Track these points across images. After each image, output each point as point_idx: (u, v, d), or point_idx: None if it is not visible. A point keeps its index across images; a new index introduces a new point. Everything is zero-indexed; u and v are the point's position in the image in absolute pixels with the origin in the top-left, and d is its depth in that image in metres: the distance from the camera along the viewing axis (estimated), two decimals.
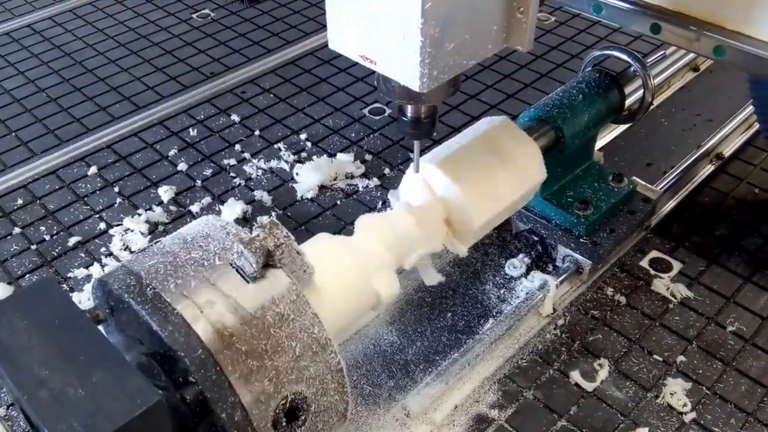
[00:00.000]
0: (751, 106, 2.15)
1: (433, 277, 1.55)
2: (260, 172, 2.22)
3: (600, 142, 2.15)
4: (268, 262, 1.13)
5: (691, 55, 2.52)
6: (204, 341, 1.05)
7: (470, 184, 1.46)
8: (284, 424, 1.06)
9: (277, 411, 1.06)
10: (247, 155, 2.28)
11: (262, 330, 1.08)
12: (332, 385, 1.14)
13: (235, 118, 2.45)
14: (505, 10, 1.17)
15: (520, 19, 1.18)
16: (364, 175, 2.19)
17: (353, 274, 1.30)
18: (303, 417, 1.08)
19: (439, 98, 1.26)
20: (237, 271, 1.12)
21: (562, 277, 1.76)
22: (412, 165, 1.46)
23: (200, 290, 1.11)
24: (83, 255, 1.96)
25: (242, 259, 1.11)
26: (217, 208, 2.07)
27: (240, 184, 2.18)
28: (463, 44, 1.12)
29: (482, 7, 1.13)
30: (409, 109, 1.30)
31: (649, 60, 2.52)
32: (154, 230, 2.02)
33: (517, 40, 1.20)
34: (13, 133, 2.43)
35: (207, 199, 2.11)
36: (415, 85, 1.10)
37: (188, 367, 1.04)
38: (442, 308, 1.74)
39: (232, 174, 2.22)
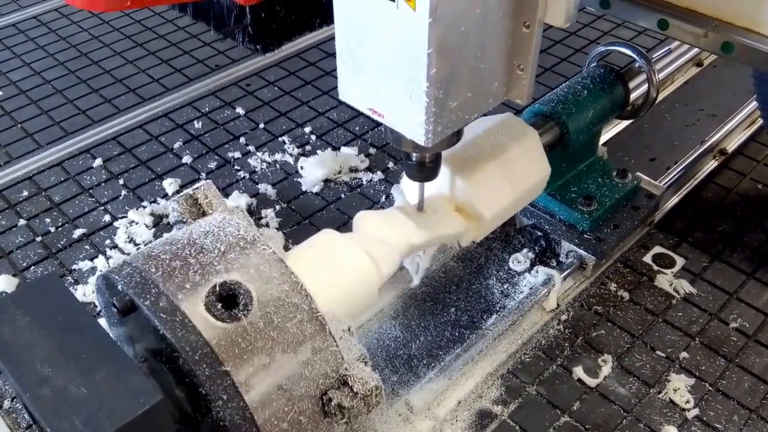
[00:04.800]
0: (755, 102, 2.15)
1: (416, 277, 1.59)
2: (265, 165, 2.22)
3: (604, 137, 2.15)
4: (200, 212, 1.26)
5: (695, 51, 2.51)
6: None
7: (476, 178, 1.46)
8: (219, 308, 1.09)
9: (208, 296, 1.10)
10: (251, 148, 2.28)
11: (188, 243, 1.18)
12: (274, 274, 1.14)
13: (239, 110, 2.45)
14: (505, 68, 1.23)
15: (520, 75, 1.24)
16: (369, 169, 2.19)
17: (349, 247, 1.32)
18: (244, 302, 1.10)
19: (443, 147, 1.31)
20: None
21: (566, 273, 1.76)
22: None
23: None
24: (88, 247, 1.96)
25: (174, 212, 1.22)
26: None
27: (244, 177, 2.18)
28: (466, 101, 1.18)
29: (484, 68, 1.18)
30: (414, 155, 1.35)
31: (653, 55, 2.51)
32: (159, 223, 2.02)
33: (516, 93, 1.27)
34: (19, 125, 2.43)
35: None
36: (420, 140, 1.17)
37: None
38: (446, 303, 1.74)
39: (236, 167, 2.22)
